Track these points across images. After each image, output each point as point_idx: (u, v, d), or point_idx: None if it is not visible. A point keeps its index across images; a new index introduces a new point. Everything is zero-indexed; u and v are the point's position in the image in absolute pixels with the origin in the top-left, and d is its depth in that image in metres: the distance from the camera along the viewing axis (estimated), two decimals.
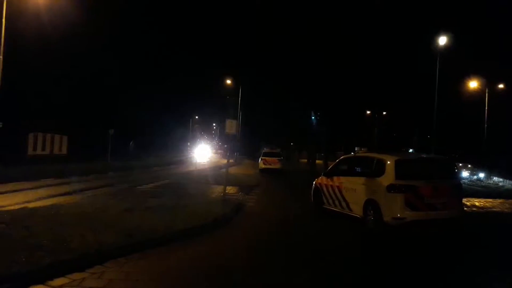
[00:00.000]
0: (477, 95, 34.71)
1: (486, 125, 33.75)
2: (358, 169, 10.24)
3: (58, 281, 5.01)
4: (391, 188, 8.46)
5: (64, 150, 34.58)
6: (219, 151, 73.90)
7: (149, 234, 7.08)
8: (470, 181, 30.42)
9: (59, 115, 32.91)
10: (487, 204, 14.33)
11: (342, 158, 11.76)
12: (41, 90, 29.73)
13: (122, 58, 39.62)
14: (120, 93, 40.71)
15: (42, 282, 4.92)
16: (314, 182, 12.07)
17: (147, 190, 14.34)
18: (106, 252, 6.03)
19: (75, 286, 4.94)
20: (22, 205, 9.32)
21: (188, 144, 60.15)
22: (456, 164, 32.77)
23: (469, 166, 37.08)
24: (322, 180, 11.51)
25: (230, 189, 14.63)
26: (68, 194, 12.78)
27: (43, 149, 31.89)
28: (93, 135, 36.33)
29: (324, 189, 11.21)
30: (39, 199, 11.28)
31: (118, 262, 5.87)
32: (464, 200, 13.50)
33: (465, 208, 12.18)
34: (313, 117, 41.52)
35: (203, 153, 43.22)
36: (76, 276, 5.21)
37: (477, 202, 14.72)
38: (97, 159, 30.92)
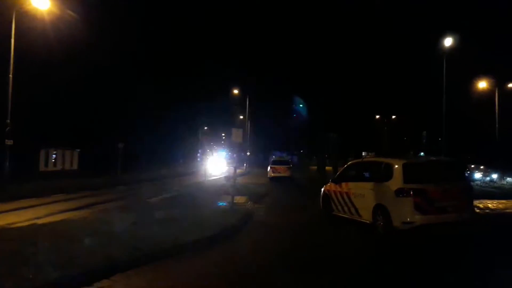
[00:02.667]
0: (487, 95, 34.36)
1: (497, 125, 33.33)
2: (366, 174, 10.15)
3: None
4: (399, 192, 8.37)
5: (75, 165, 34.95)
6: (228, 160, 73.86)
7: (156, 246, 7.07)
8: (483, 182, 29.97)
9: (70, 130, 33.32)
10: (500, 206, 14.10)
11: (350, 164, 11.68)
12: (51, 106, 30.15)
13: (131, 72, 39.98)
14: (129, 107, 41.06)
15: None
16: (322, 189, 11.99)
17: (156, 202, 14.35)
18: (113, 266, 6.02)
19: None
20: (32, 222, 9.38)
21: (198, 155, 60.25)
22: (468, 165, 32.43)
23: (482, 167, 36.54)
24: (330, 186, 11.43)
25: (239, 199, 14.56)
26: (78, 209, 12.86)
27: (55, 165, 32.29)
28: (103, 149, 36.66)
29: (333, 195, 11.13)
30: (49, 215, 11.35)
31: (126, 275, 5.87)
32: (477, 202, 13.31)
33: (477, 210, 12.02)
34: (300, 105, 41.11)
35: (214, 163, 43.13)
36: None
37: (490, 203, 14.47)
38: (108, 173, 31.11)
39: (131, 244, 6.98)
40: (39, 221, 9.43)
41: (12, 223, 9.34)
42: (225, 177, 29.96)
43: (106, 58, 33.33)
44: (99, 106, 36.63)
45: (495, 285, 5.76)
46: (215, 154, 47.76)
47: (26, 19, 20.28)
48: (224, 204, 13.30)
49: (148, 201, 15.01)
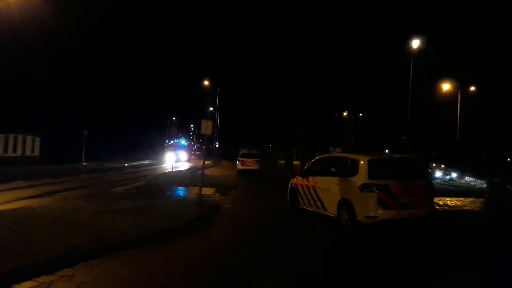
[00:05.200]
0: (451, 97, 35.63)
1: (458, 126, 34.64)
2: (333, 169, 10.32)
3: (24, 285, 4.88)
4: (364, 187, 8.57)
5: (37, 152, 33.75)
6: (197, 152, 73.38)
7: (121, 236, 6.96)
8: (443, 181, 31.15)
9: (33, 116, 32.17)
10: (458, 203, 14.68)
11: (317, 158, 11.84)
12: (14, 90, 28.98)
13: (100, 59, 38.99)
14: (97, 95, 40.07)
15: (7, 286, 4.77)
16: (290, 182, 12.12)
17: (121, 192, 14.10)
18: (76, 255, 5.88)
19: None
20: None
21: (165, 145, 59.51)
22: (430, 164, 33.56)
23: (442, 166, 38.01)
24: (297, 180, 11.57)
25: (206, 190, 14.54)
26: (39, 196, 12.45)
27: (15, 150, 31.03)
28: (67, 136, 35.61)
29: (300, 189, 11.27)
30: (8, 202, 10.94)
31: (88, 265, 5.75)
32: (437, 199, 13.82)
33: (437, 207, 12.47)
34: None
35: (180, 154, 42.73)
36: (44, 279, 5.07)
37: (449, 201, 15.05)
38: (71, 161, 30.33)
39: (95, 233, 6.85)
40: None
41: None
42: (192, 168, 29.87)
43: (74, 46, 32.34)
44: (66, 92, 35.53)
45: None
46: (179, 145, 46.71)
47: None
48: (191, 195, 13.24)
49: (113, 190, 14.73)
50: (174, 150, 44.57)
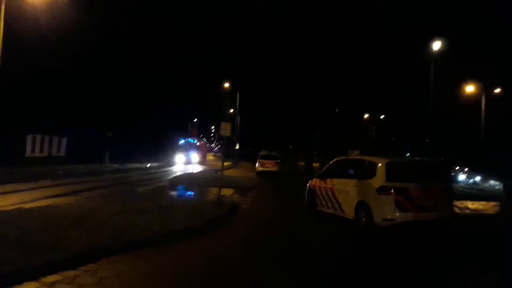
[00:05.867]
0: (474, 99, 34.90)
1: (482, 130, 33.89)
2: (351, 171, 10.36)
3: (50, 278, 5.13)
4: (381, 190, 8.60)
5: (62, 152, 34.70)
6: (217, 154, 74.03)
7: (142, 234, 7.20)
8: (467, 184, 30.50)
9: (58, 117, 33.06)
10: (480, 207, 14.46)
11: (335, 161, 11.88)
12: (39, 91, 29.84)
13: (122, 60, 39.70)
14: (119, 95, 40.82)
15: (35, 279, 5.03)
16: (308, 184, 12.20)
17: (143, 191, 14.44)
18: (99, 251, 6.14)
19: (67, 283, 5.06)
20: (18, 206, 9.42)
21: (177, 146, 59.69)
22: (453, 167, 32.82)
23: (466, 169, 37.18)
24: (315, 182, 11.64)
25: (225, 191, 14.73)
26: (64, 195, 12.88)
27: (41, 150, 31.98)
28: (92, 137, 36.51)
29: (318, 191, 11.33)
30: (35, 200, 11.37)
31: (111, 261, 5.99)
32: (458, 203, 13.67)
33: (457, 211, 12.35)
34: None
35: (197, 155, 42.62)
36: (69, 273, 5.32)
37: (470, 204, 14.83)
38: (95, 161, 31.08)
39: (117, 231, 7.10)
40: (25, 206, 9.47)
41: None
42: (212, 169, 30.18)
43: (97, 47, 33.08)
44: (89, 93, 36.37)
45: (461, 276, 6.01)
46: (194, 146, 45.91)
47: (16, 3, 19.94)
48: (211, 195, 13.44)
49: (134, 190, 15.09)
50: (185, 150, 44.09)
